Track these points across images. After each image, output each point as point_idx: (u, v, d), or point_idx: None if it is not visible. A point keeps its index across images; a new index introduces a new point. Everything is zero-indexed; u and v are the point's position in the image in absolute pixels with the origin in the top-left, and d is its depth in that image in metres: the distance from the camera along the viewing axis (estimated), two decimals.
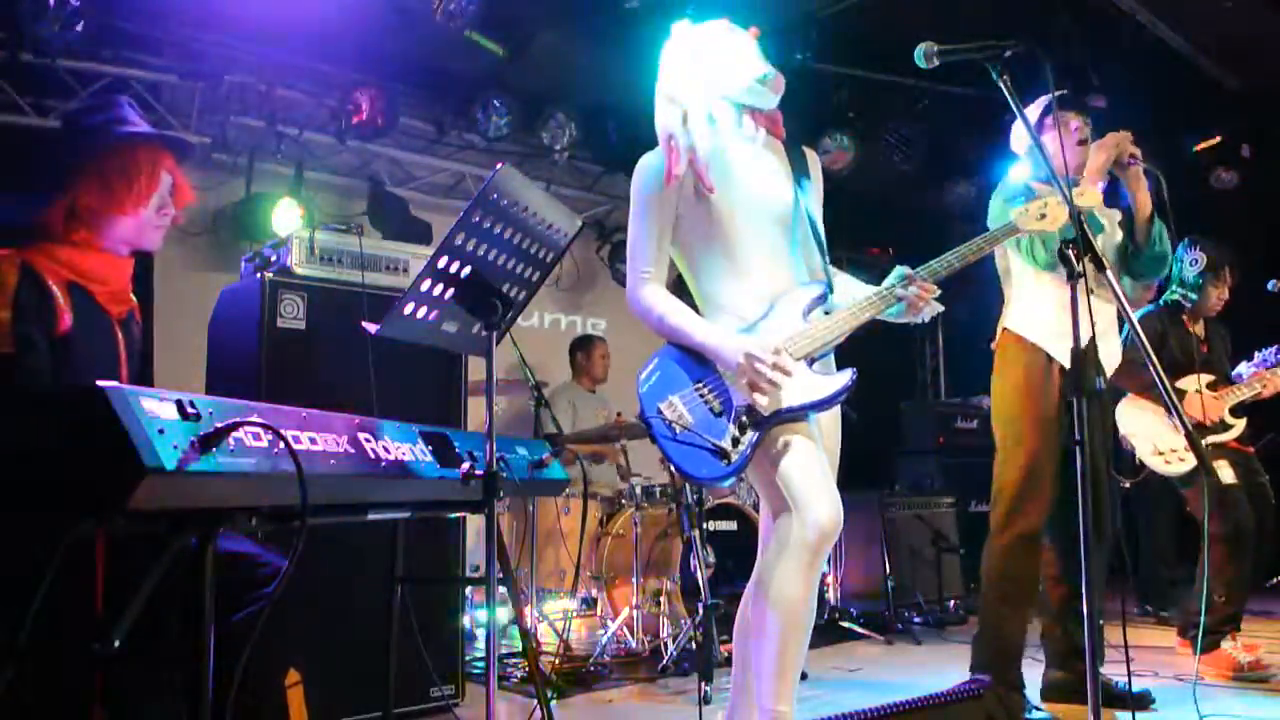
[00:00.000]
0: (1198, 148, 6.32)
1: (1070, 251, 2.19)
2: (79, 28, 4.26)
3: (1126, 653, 2.36)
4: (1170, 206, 3.34)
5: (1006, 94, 2.22)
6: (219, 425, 1.39)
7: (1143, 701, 3.17)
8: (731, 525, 4.55)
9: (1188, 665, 3.85)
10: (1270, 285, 4.27)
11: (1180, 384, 4.04)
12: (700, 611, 3.87)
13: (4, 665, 1.56)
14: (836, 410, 2.37)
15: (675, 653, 4.07)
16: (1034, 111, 3.30)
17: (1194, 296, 4.16)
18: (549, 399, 4.96)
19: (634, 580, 4.30)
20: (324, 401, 1.80)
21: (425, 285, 2.01)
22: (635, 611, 4.29)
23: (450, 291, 2.05)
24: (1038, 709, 3.13)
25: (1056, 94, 3.17)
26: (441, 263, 2.00)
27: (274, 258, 3.23)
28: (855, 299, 2.34)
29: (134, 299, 2.24)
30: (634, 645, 4.31)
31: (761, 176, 2.37)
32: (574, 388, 5.81)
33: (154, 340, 4.16)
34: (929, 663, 4.28)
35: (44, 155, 2.28)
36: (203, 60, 5.01)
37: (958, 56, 2.26)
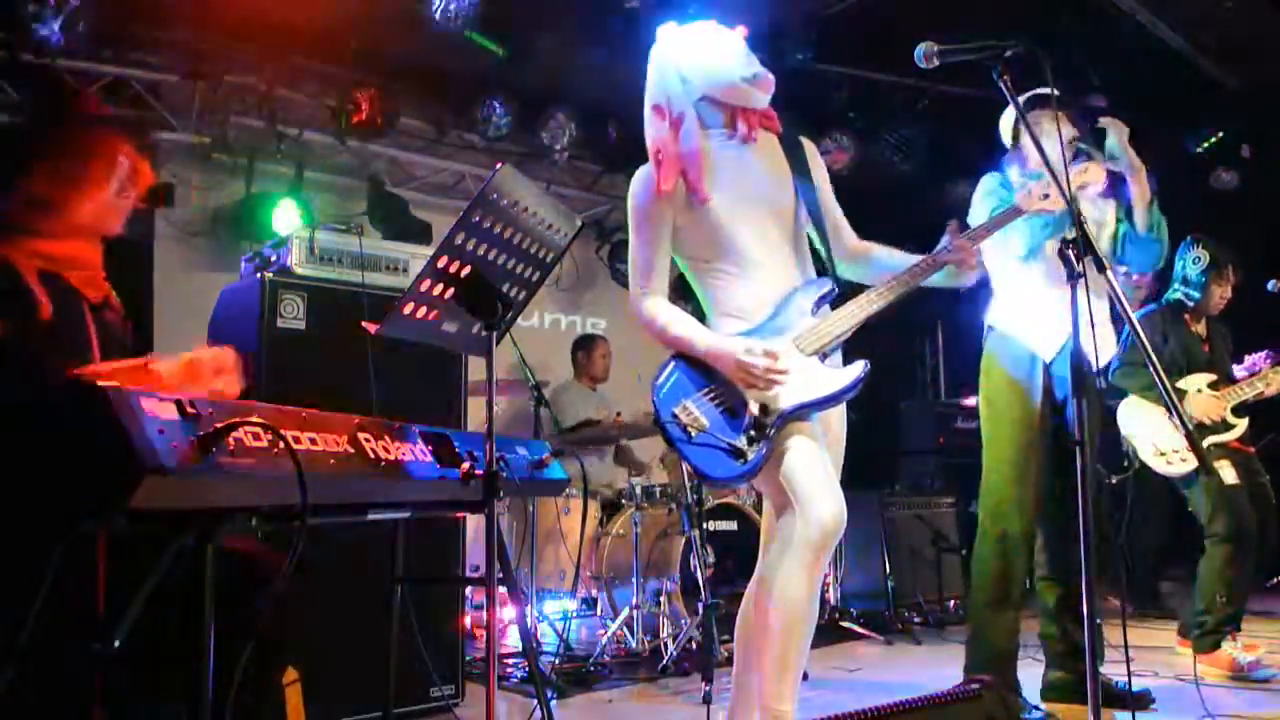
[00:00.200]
0: (1199, 148, 6.32)
1: (1070, 251, 2.18)
2: (79, 28, 4.26)
3: (1126, 653, 2.35)
4: (1170, 206, 3.34)
5: (1006, 94, 2.22)
6: (219, 425, 1.39)
7: (1143, 701, 3.17)
8: (731, 525, 4.55)
9: (1187, 665, 3.85)
10: (1270, 285, 4.27)
11: (1182, 384, 4.03)
12: (700, 611, 3.87)
13: (4, 665, 1.56)
14: (842, 408, 2.37)
15: (675, 653, 4.07)
16: (1012, 112, 3.31)
17: (1196, 295, 4.16)
18: (550, 397, 4.97)
19: (634, 580, 4.30)
20: (324, 401, 1.80)
21: (425, 285, 2.01)
22: (635, 611, 4.29)
23: (450, 291, 2.05)
24: (1037, 708, 3.13)
25: (1031, 94, 3.19)
26: (441, 263, 2.00)
27: (274, 258, 3.23)
28: (885, 277, 2.34)
29: (109, 285, 2.19)
30: (634, 645, 4.31)
31: (758, 177, 2.37)
32: (576, 386, 5.82)
33: (153, 340, 4.18)
34: (929, 663, 4.28)
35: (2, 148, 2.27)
36: (203, 60, 5.01)
37: (958, 56, 2.26)
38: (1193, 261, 4.18)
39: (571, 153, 5.98)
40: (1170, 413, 3.61)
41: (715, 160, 2.33)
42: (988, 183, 3.24)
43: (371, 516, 1.92)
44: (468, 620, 4.11)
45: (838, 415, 2.38)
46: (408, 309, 2.02)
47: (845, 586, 5.41)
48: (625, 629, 4.34)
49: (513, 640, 4.53)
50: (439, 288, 2.03)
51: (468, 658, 3.65)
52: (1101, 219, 3.34)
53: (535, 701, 2.36)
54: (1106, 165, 3.13)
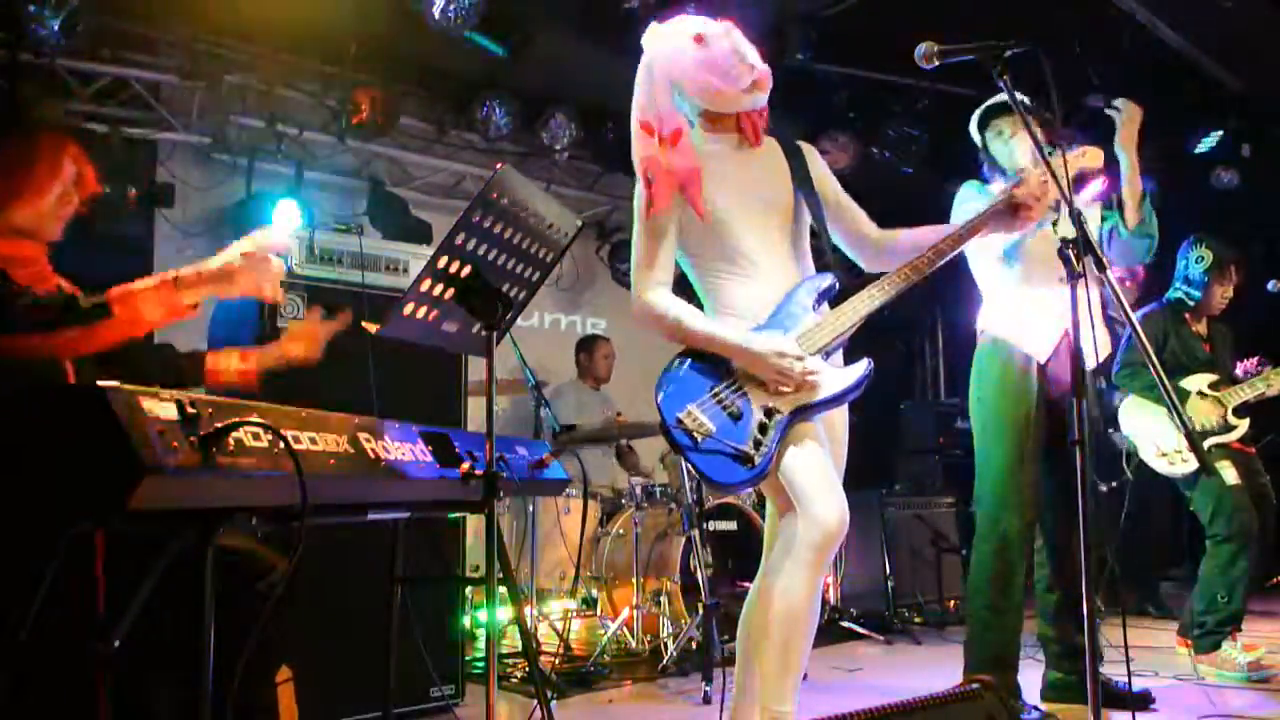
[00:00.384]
0: (1199, 148, 6.32)
1: (1070, 251, 2.18)
2: (79, 28, 4.26)
3: (1126, 653, 2.35)
4: (1170, 206, 3.34)
5: (1006, 94, 2.22)
6: (219, 425, 1.39)
7: (1143, 701, 3.16)
8: (731, 525, 4.55)
9: (1187, 665, 3.85)
10: (1270, 285, 4.27)
11: (1184, 384, 4.03)
12: (700, 611, 3.87)
13: (4, 665, 1.56)
14: (844, 409, 2.37)
15: (675, 653, 4.07)
16: (976, 118, 3.32)
17: (1197, 295, 4.15)
18: (551, 397, 4.97)
19: (634, 580, 4.30)
20: (324, 401, 1.80)
21: (425, 285, 2.01)
22: (635, 611, 4.29)
23: (450, 291, 2.05)
24: (1037, 709, 3.13)
25: (1003, 98, 3.19)
26: (441, 263, 2.00)
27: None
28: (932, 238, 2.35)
29: (58, 278, 2.17)
30: (634, 645, 4.31)
31: (758, 177, 2.37)
32: (577, 386, 5.82)
33: (153, 340, 4.16)
34: (929, 663, 4.28)
35: None
36: (202, 60, 5.01)
37: (958, 57, 2.26)
38: (1195, 261, 4.17)
39: (571, 153, 5.97)
40: (1171, 413, 3.61)
41: (715, 164, 2.33)
42: (966, 190, 3.25)
43: (371, 516, 1.92)
44: (468, 620, 4.11)
45: (840, 415, 2.37)
46: (408, 309, 2.02)
47: (845, 586, 5.41)
48: (625, 629, 4.34)
49: (513, 640, 4.52)
50: (439, 288, 2.03)
51: (468, 658, 3.66)
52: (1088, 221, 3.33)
53: (535, 701, 2.35)
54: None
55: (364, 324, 2.04)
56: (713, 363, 2.26)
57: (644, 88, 2.33)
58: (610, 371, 5.86)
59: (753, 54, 2.33)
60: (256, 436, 1.45)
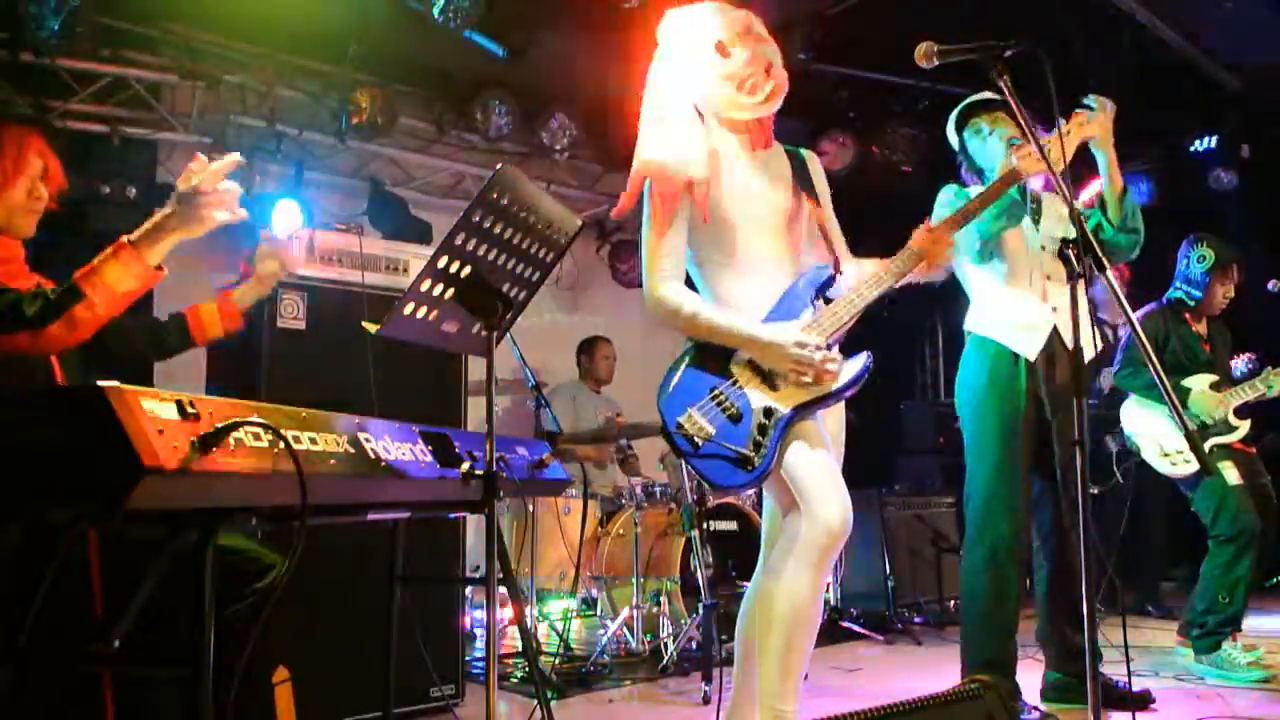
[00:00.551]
0: (1200, 148, 6.31)
1: (1070, 251, 2.18)
2: (79, 28, 4.26)
3: (1126, 653, 2.35)
4: (1170, 206, 3.35)
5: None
6: (219, 425, 1.39)
7: (1143, 701, 3.16)
8: (731, 525, 4.55)
9: (1187, 665, 3.85)
10: (1270, 285, 4.26)
11: (1186, 383, 4.02)
12: (700, 611, 3.87)
13: (5, 664, 1.56)
14: (841, 406, 2.37)
15: (675, 653, 4.07)
16: (953, 118, 3.34)
17: (1198, 294, 4.14)
18: (550, 396, 4.97)
19: (634, 580, 4.30)
20: (324, 401, 1.80)
21: (425, 285, 2.01)
22: (635, 611, 4.29)
23: (450, 291, 2.05)
24: (1036, 709, 3.13)
25: (981, 97, 3.21)
26: (441, 263, 2.00)
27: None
28: (864, 277, 2.33)
29: (37, 275, 2.17)
30: (634, 645, 4.31)
31: (762, 180, 2.37)
32: (577, 386, 5.82)
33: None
34: (929, 663, 4.28)
35: None
36: (203, 60, 5.01)
37: (958, 56, 2.26)
38: (1196, 260, 4.16)
39: (571, 153, 5.97)
40: (1172, 413, 3.60)
41: (722, 161, 2.33)
42: (946, 194, 3.26)
43: (371, 516, 1.92)
44: (468, 620, 4.11)
45: (836, 413, 2.37)
46: (408, 309, 2.02)
47: (845, 587, 5.41)
48: (625, 629, 4.34)
49: (513, 640, 4.52)
50: (439, 288, 2.03)
51: (468, 658, 3.66)
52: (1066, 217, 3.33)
53: (535, 701, 2.36)
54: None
55: (364, 324, 2.04)
56: (713, 363, 2.26)
57: (660, 84, 2.32)
58: (611, 372, 5.86)
59: (773, 51, 2.32)
60: (256, 436, 1.45)
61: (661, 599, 4.31)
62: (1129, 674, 2.44)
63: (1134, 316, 2.72)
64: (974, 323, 3.30)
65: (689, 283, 2.43)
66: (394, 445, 1.80)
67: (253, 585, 1.94)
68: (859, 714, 1.87)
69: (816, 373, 2.18)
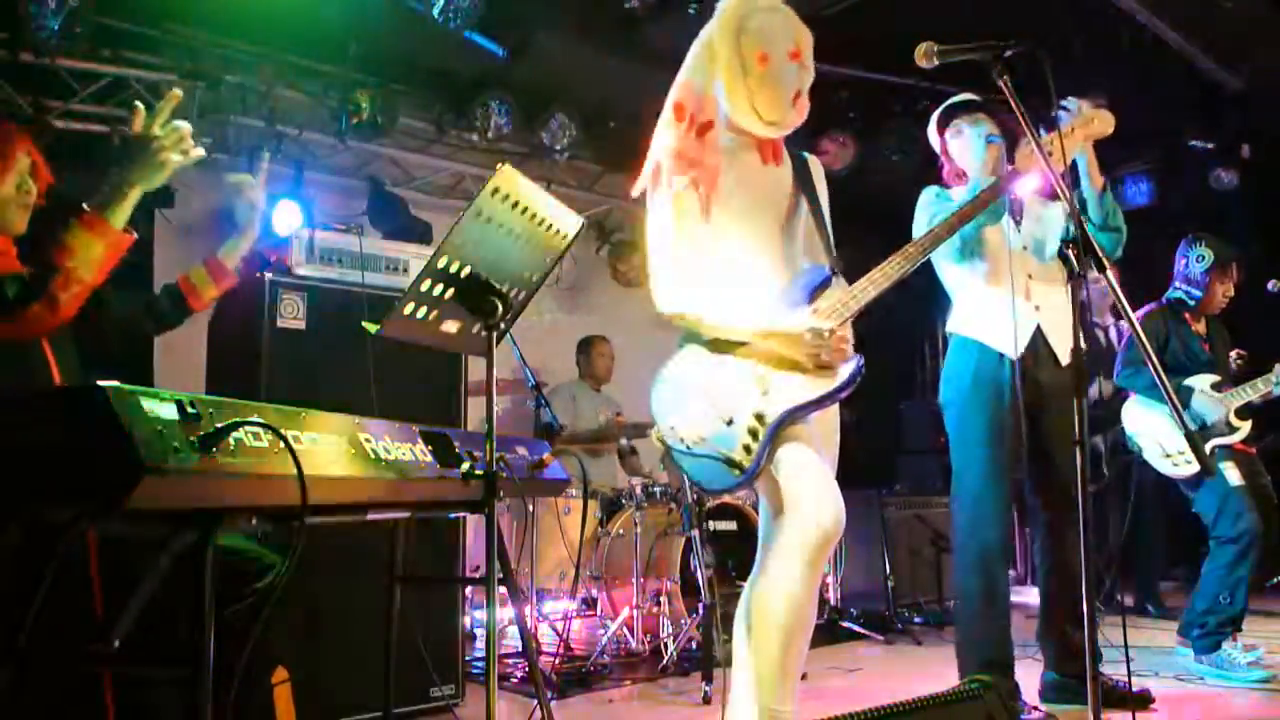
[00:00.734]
0: (1200, 148, 6.31)
1: (1070, 251, 2.18)
2: (79, 28, 4.26)
3: (1126, 653, 2.35)
4: (1170, 206, 3.35)
5: (1007, 94, 2.22)
6: (219, 425, 1.39)
7: (1142, 701, 3.16)
8: (731, 525, 4.55)
9: (1188, 665, 3.85)
10: (1270, 285, 4.26)
11: (1188, 383, 4.02)
12: (700, 611, 3.87)
13: (5, 664, 1.56)
14: (834, 408, 2.37)
15: (675, 653, 4.07)
16: (934, 119, 3.34)
17: (1198, 293, 4.13)
18: (549, 396, 4.97)
19: (634, 580, 4.30)
20: (324, 401, 1.80)
21: (425, 285, 2.01)
22: (635, 611, 4.29)
23: (450, 291, 2.05)
24: (1036, 709, 3.13)
25: (963, 98, 3.21)
26: (441, 263, 2.00)
27: (274, 258, 3.23)
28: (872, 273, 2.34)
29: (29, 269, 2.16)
30: (634, 645, 4.31)
31: (765, 182, 2.38)
32: (577, 385, 5.82)
33: (153, 339, 4.16)
34: (929, 663, 4.28)
35: None
36: (203, 60, 5.01)
37: (958, 56, 2.26)
38: (1196, 259, 4.15)
39: (571, 153, 5.97)
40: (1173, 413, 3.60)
41: (729, 160, 2.33)
42: (926, 196, 3.27)
43: (371, 516, 1.92)
44: (468, 620, 4.11)
45: (831, 414, 2.38)
46: (408, 309, 2.03)
47: (845, 587, 5.42)
48: (625, 629, 4.34)
49: (513, 640, 4.52)
50: (439, 288, 2.03)
51: (468, 658, 3.66)
52: (1049, 219, 3.33)
53: (535, 701, 2.36)
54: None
55: (364, 324, 2.04)
56: (707, 365, 2.27)
57: (695, 66, 2.29)
58: (610, 371, 5.86)
59: (809, 79, 2.33)
60: (256, 436, 1.45)
61: (661, 599, 4.31)
62: (1129, 674, 2.44)
63: (1134, 316, 2.72)
64: (957, 323, 3.31)
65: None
66: (394, 445, 1.80)
67: (253, 585, 1.94)
68: (859, 714, 1.87)
69: (834, 353, 2.19)
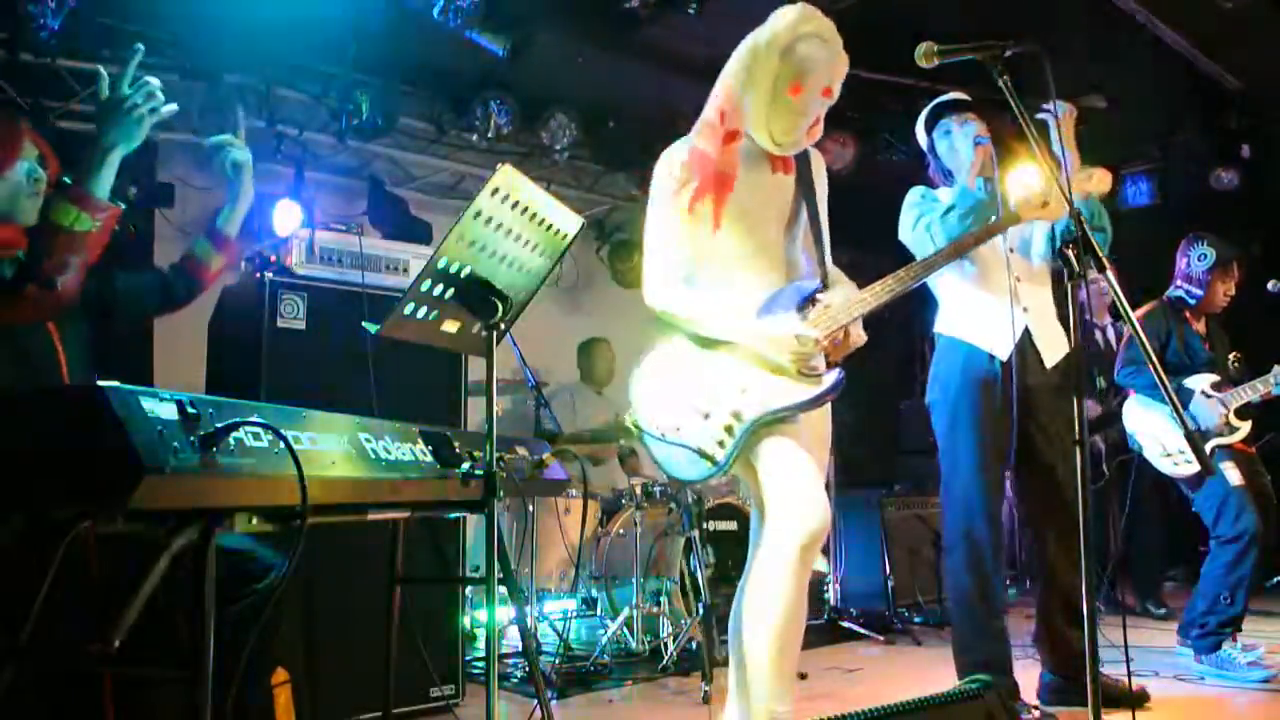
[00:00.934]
0: (1199, 148, 6.30)
1: (1070, 251, 2.18)
2: (79, 28, 4.26)
3: (1126, 653, 2.35)
4: (1170, 206, 3.35)
5: (1007, 94, 2.22)
6: (219, 425, 1.39)
7: (1140, 700, 3.16)
8: (731, 525, 4.55)
9: (1187, 665, 3.85)
10: (1270, 285, 4.26)
11: (1186, 384, 4.02)
12: (700, 611, 3.87)
13: (5, 664, 1.56)
14: (826, 409, 2.38)
15: (675, 653, 4.07)
16: (922, 119, 3.34)
17: (1199, 292, 4.13)
18: (549, 397, 4.97)
19: (634, 580, 4.29)
20: (324, 401, 1.80)
21: (425, 285, 2.01)
22: (635, 611, 4.29)
23: (450, 291, 2.05)
24: (1035, 709, 3.12)
25: (951, 97, 3.21)
26: (441, 263, 2.00)
27: (274, 258, 3.23)
28: (845, 297, 2.35)
29: None
30: (634, 645, 4.31)
31: (769, 185, 2.38)
32: (577, 387, 5.82)
33: (153, 340, 4.17)
34: (929, 663, 4.28)
35: None
36: (203, 60, 5.00)
37: (958, 56, 2.26)
38: (1197, 258, 4.15)
39: (571, 153, 5.97)
40: (1173, 413, 3.60)
41: (742, 168, 2.35)
42: (912, 196, 3.27)
43: (371, 516, 1.92)
44: (468, 620, 4.11)
45: (822, 414, 2.39)
46: (408, 309, 2.03)
47: (845, 587, 5.41)
48: (625, 629, 4.34)
49: (513, 640, 4.52)
50: (439, 288, 2.04)
51: (468, 658, 3.65)
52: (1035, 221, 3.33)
53: (535, 701, 2.36)
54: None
55: (364, 324, 2.04)
56: (690, 359, 2.28)
57: (738, 72, 2.29)
58: (611, 374, 5.86)
59: (829, 104, 2.34)
60: (256, 436, 1.45)
61: (661, 599, 4.30)
62: (1129, 674, 2.44)
63: (1134, 316, 2.72)
64: (944, 324, 3.31)
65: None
66: (394, 445, 1.80)
67: (253, 585, 1.94)
68: (859, 714, 1.87)
69: (824, 350, 2.22)
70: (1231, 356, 4.26)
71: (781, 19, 2.27)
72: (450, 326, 2.14)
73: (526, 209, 2.09)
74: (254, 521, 1.59)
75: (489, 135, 5.61)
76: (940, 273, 3.28)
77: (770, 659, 2.16)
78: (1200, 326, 4.18)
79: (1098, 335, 5.49)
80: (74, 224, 1.95)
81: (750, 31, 2.34)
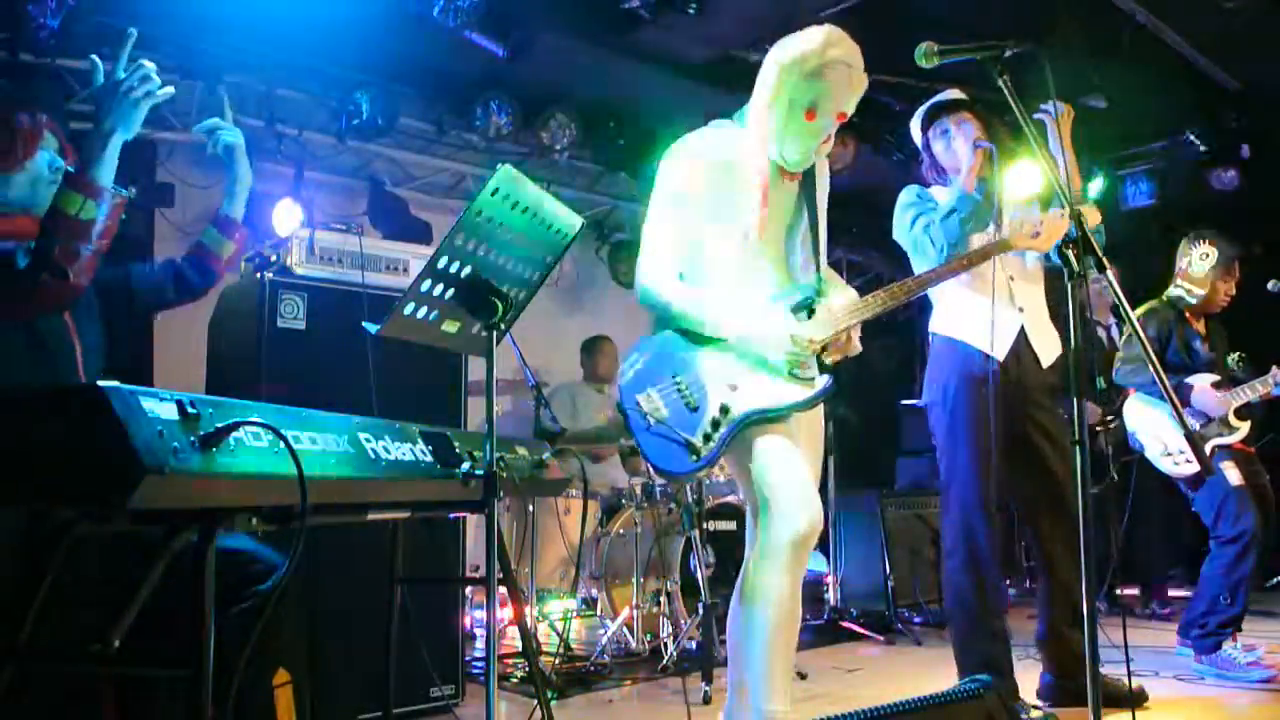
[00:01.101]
0: (1199, 148, 6.30)
1: (1070, 251, 2.18)
2: (79, 28, 4.26)
3: (1126, 653, 2.35)
4: (1170, 206, 3.35)
5: (1007, 94, 2.22)
6: (219, 425, 1.39)
7: (1139, 700, 3.16)
8: (731, 525, 4.55)
9: (1188, 665, 3.85)
10: (1270, 285, 4.26)
11: (1190, 382, 4.02)
12: (700, 611, 3.87)
13: (5, 664, 1.56)
14: (819, 409, 2.39)
15: (675, 653, 4.07)
16: (918, 117, 3.34)
17: (1200, 291, 4.12)
18: (550, 396, 4.97)
19: (634, 580, 4.29)
20: (324, 401, 1.80)
21: (425, 285, 2.02)
22: (635, 611, 4.29)
23: (450, 291, 2.05)
24: (1035, 709, 3.12)
25: (946, 96, 3.21)
26: (441, 263, 2.00)
27: (274, 258, 3.23)
28: (845, 302, 2.35)
29: None
30: (634, 645, 4.30)
31: (779, 199, 2.40)
32: (577, 386, 5.82)
33: (153, 340, 4.17)
34: (929, 663, 4.28)
35: None
36: (203, 60, 5.00)
37: (958, 56, 2.26)
38: (1200, 257, 4.14)
39: (571, 153, 5.97)
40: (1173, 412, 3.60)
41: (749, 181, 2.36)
42: (907, 195, 3.27)
43: (371, 516, 1.92)
44: (468, 620, 4.11)
45: (815, 414, 2.39)
46: (408, 309, 2.03)
47: (845, 587, 5.41)
48: (625, 629, 4.34)
49: (513, 640, 4.52)
50: (439, 288, 2.04)
51: (468, 658, 3.65)
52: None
53: (535, 701, 2.36)
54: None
55: (364, 324, 2.04)
56: (680, 353, 2.29)
57: (765, 85, 2.32)
58: (613, 371, 5.86)
59: (835, 128, 2.37)
60: (256, 436, 1.45)
61: (661, 599, 4.30)
62: (1129, 674, 2.44)
63: (1134, 315, 2.72)
64: (939, 324, 3.31)
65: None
66: (394, 445, 1.80)
67: (253, 586, 1.94)
68: (859, 714, 1.87)
69: (818, 348, 2.23)
70: (1235, 355, 4.25)
71: (809, 42, 2.27)
72: (450, 326, 2.14)
73: (526, 209, 2.09)
74: (254, 521, 1.58)
75: (489, 135, 5.61)
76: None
77: (766, 658, 2.16)
78: (1200, 326, 4.18)
79: (1101, 334, 5.48)
80: (80, 212, 1.95)
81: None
